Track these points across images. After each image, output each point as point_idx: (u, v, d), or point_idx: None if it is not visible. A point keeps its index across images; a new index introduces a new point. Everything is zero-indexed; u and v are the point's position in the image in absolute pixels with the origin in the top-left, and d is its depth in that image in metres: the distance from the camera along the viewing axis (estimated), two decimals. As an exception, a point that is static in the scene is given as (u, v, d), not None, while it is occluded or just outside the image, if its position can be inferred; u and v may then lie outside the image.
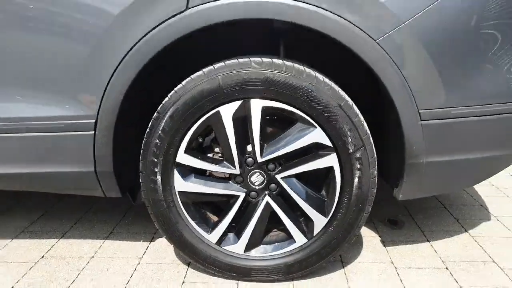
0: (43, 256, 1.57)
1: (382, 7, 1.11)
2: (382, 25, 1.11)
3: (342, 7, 1.10)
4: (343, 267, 1.48)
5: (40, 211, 1.95)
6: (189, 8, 1.11)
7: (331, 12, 1.10)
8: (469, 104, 1.20)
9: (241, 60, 1.17)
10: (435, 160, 1.25)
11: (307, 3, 1.11)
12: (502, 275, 1.44)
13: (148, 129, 1.24)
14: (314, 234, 1.33)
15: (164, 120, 1.22)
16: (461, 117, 1.21)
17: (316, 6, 1.10)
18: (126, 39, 1.14)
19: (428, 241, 1.66)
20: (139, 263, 1.52)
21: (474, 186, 2.19)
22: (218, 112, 1.21)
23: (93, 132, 1.24)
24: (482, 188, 2.17)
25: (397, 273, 1.45)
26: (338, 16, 1.10)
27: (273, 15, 1.12)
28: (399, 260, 1.52)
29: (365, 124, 1.23)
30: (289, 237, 1.36)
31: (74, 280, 1.42)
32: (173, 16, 1.11)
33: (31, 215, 1.91)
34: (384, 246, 1.62)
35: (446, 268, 1.48)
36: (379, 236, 1.70)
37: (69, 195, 2.00)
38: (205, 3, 1.10)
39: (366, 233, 1.72)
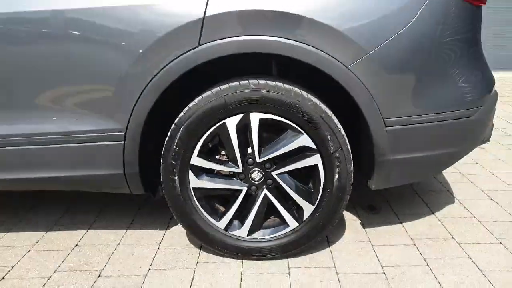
0: (76, 245, 1.86)
1: (352, 42, 1.40)
2: (352, 55, 1.41)
3: (322, 44, 1.39)
4: (329, 246, 1.79)
5: (63, 207, 2.23)
6: (201, 45, 1.39)
7: (314, 47, 1.39)
8: (424, 113, 1.51)
9: (242, 82, 1.46)
10: (398, 157, 1.55)
11: (298, 42, 1.40)
12: (458, 248, 1.76)
13: (168, 138, 1.53)
14: (304, 219, 1.63)
15: (181, 131, 1.50)
16: (418, 123, 1.51)
17: (305, 44, 1.39)
18: (150, 70, 1.42)
19: (400, 222, 1.97)
20: (158, 248, 1.81)
21: (444, 174, 2.51)
22: (224, 123, 1.50)
23: (123, 142, 1.52)
24: (450, 175, 2.49)
25: (374, 249, 1.76)
26: (320, 50, 1.39)
27: (270, 50, 1.41)
28: (376, 239, 1.84)
29: (342, 130, 1.53)
30: (283, 222, 1.66)
31: (106, 263, 1.71)
32: (187, 51, 1.39)
33: (56, 210, 2.19)
34: (364, 227, 1.94)
35: (414, 244, 1.79)
36: (360, 220, 2.01)
37: (87, 192, 2.28)
38: (212, 41, 1.38)
39: (349, 217, 2.03)
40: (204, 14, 1.38)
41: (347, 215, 2.05)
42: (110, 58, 1.44)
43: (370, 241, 1.82)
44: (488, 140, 1.81)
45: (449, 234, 1.87)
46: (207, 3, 1.38)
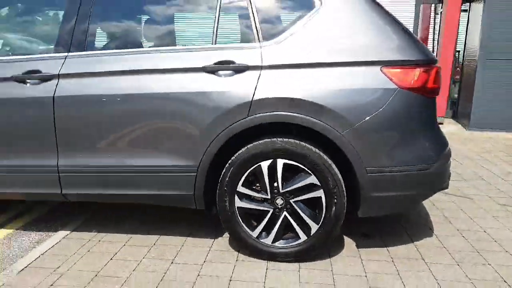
0: (154, 244, 2.68)
1: (344, 119, 2.22)
2: (344, 126, 2.22)
3: (325, 118, 2.21)
4: (329, 257, 2.51)
5: (137, 221, 3.07)
6: (248, 117, 2.26)
7: (319, 120, 2.21)
8: (394, 165, 2.27)
9: (273, 139, 2.29)
10: (376, 194, 2.30)
11: (310, 116, 2.22)
12: (424, 266, 2.43)
13: (223, 172, 2.37)
14: (311, 234, 2.38)
15: (232, 169, 2.34)
16: (390, 172, 2.27)
17: (314, 118, 2.22)
18: (216, 131, 2.29)
19: (385, 246, 2.66)
20: (209, 250, 2.60)
21: (430, 215, 3.16)
22: (260, 165, 2.33)
23: (195, 174, 2.38)
24: (435, 217, 3.14)
25: (362, 262, 2.46)
26: (323, 122, 2.22)
27: (291, 121, 2.25)
28: (364, 255, 2.54)
29: (339, 174, 2.30)
30: (296, 236, 2.42)
31: (175, 256, 2.52)
32: (239, 120, 2.27)
33: (132, 222, 3.04)
34: (357, 248, 2.64)
35: (392, 261, 2.48)
36: (355, 242, 2.72)
37: (147, 210, 3.12)
38: (256, 114, 2.25)
39: (347, 240, 2.74)
40: (252, 98, 2.25)
41: (346, 239, 2.76)
42: (191, 123, 2.33)
43: (360, 257, 2.53)
44: (446, 187, 2.52)
45: (421, 256, 2.54)
46: (254, 93, 2.25)
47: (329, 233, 2.37)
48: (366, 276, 2.31)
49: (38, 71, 2.43)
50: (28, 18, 2.91)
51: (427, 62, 2.29)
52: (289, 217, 2.39)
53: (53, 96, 2.41)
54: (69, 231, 2.85)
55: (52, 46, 2.53)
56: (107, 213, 3.18)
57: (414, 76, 2.24)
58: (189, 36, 2.69)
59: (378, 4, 2.39)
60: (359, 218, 2.47)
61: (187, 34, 2.69)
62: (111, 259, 2.49)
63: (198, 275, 2.31)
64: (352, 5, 2.33)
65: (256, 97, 2.25)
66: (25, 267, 2.37)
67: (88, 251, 2.58)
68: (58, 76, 2.41)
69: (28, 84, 2.44)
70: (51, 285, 2.20)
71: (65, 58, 2.44)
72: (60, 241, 2.70)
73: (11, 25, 2.93)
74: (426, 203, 3.36)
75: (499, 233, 2.88)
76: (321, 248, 2.42)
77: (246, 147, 2.33)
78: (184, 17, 2.77)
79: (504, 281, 2.28)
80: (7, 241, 2.78)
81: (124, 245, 2.67)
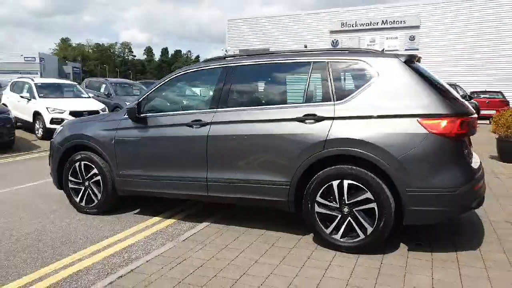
0: (262, 234, 3.96)
1: (389, 153, 3.25)
2: (390, 159, 3.25)
3: (379, 154, 3.29)
4: (383, 254, 3.46)
5: (255, 220, 4.39)
6: (325, 149, 3.45)
7: (375, 156, 3.30)
8: (426, 187, 3.19)
9: (342, 166, 3.43)
10: (414, 208, 3.23)
11: (368, 152, 3.32)
12: (456, 265, 3.23)
13: (307, 186, 3.56)
14: (367, 234, 3.40)
15: (313, 184, 3.53)
16: (423, 192, 3.19)
17: (371, 154, 3.31)
18: (302, 159, 3.51)
19: (431, 251, 3.49)
20: (297, 242, 3.77)
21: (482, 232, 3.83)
22: (331, 183, 3.47)
23: (289, 186, 3.63)
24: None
25: (407, 260, 3.37)
26: (377, 157, 3.30)
27: (355, 155, 3.36)
28: (411, 255, 3.43)
29: (387, 191, 3.30)
30: (357, 235, 3.45)
31: (274, 243, 3.75)
32: (318, 152, 3.47)
33: (251, 219, 4.36)
34: (408, 251, 3.53)
35: (432, 261, 3.32)
36: (407, 247, 3.60)
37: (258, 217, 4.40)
38: (330, 149, 3.42)
39: (402, 245, 3.64)
40: (326, 138, 3.44)
41: (402, 244, 3.66)
42: (288, 152, 3.60)
43: (407, 256, 3.43)
44: (476, 207, 3.30)
45: (457, 260, 3.33)
46: (327, 135, 3.44)
47: (381, 233, 3.35)
48: (406, 267, 3.22)
49: (199, 120, 4.01)
50: (195, 87, 4.60)
51: (452, 115, 3.21)
52: (352, 221, 3.45)
53: (207, 135, 3.94)
54: (209, 223, 4.31)
55: (208, 105, 4.13)
56: (237, 212, 4.60)
57: (440, 125, 3.18)
58: (290, 95, 4.02)
59: (419, 72, 3.40)
60: (417, 230, 3.38)
61: (288, 94, 4.03)
62: (234, 240, 3.84)
63: (289, 253, 3.51)
64: (398, 77, 3.40)
65: (329, 137, 3.44)
66: (185, 238, 3.86)
67: (221, 235, 3.98)
68: (211, 123, 3.96)
69: (194, 128, 4.03)
70: (201, 248, 3.63)
71: (215, 112, 3.98)
72: (203, 228, 4.16)
73: (184, 91, 4.66)
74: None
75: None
76: (374, 245, 3.41)
77: (322, 171, 3.50)
78: (287, 82, 4.12)
79: (517, 281, 2.97)
80: (175, 225, 4.36)
81: (242, 234, 4.01)
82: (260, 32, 38.57)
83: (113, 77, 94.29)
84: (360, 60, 3.59)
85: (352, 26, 28.79)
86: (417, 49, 24.74)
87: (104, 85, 15.94)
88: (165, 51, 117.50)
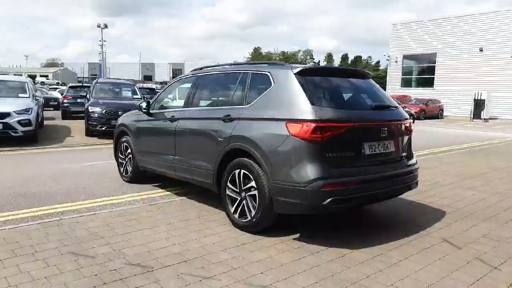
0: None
1: (262, 149, 3.88)
2: (262, 153, 3.89)
3: (254, 148, 3.98)
4: (270, 237, 4.07)
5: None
6: (230, 144, 4.27)
7: (253, 149, 3.99)
8: (285, 180, 3.69)
9: (240, 158, 4.19)
10: (278, 198, 3.77)
11: (246, 145, 4.03)
12: (311, 248, 3.64)
13: (223, 173, 4.42)
14: (252, 216, 4.08)
15: (226, 171, 4.37)
16: (283, 185, 3.71)
17: (250, 147, 4.02)
18: (219, 150, 4.42)
19: (311, 241, 3.91)
20: (215, 219, 4.64)
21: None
22: (235, 172, 4.25)
23: (213, 172, 4.55)
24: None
25: (286, 242, 3.91)
26: (253, 150, 3.99)
27: (240, 148, 4.12)
28: (291, 240, 3.94)
29: (265, 181, 3.93)
30: (246, 216, 4.14)
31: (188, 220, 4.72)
32: (226, 145, 4.31)
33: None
34: (293, 239, 4.03)
35: (295, 243, 3.80)
36: (298, 235, 4.08)
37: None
38: (233, 143, 4.23)
39: (295, 235, 4.13)
40: (231, 134, 4.25)
41: (295, 235, 4.14)
42: (213, 143, 4.50)
43: (287, 241, 3.95)
44: (339, 205, 3.60)
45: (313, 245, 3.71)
46: (231, 132, 4.25)
47: (261, 216, 3.97)
48: (283, 243, 3.80)
49: (173, 116, 5.26)
50: (179, 90, 5.87)
51: (310, 121, 3.62)
52: (244, 204, 4.17)
53: (175, 128, 5.17)
54: (184, 197, 5.49)
55: (182, 105, 5.34)
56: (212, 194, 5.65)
57: (297, 129, 3.65)
58: (223, 99, 4.88)
59: (306, 82, 3.88)
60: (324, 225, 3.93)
61: (223, 98, 4.90)
62: (181, 210, 4.94)
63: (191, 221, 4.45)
64: (284, 87, 3.95)
65: (232, 134, 4.24)
66: (153, 203, 5.17)
67: (176, 206, 5.13)
68: (178, 119, 5.17)
69: (171, 122, 5.28)
70: (151, 210, 4.88)
71: (182, 111, 5.17)
72: (171, 201, 5.38)
73: (176, 94, 5.98)
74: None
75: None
76: (259, 226, 4.05)
77: (231, 161, 4.30)
78: (224, 88, 4.97)
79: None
80: (163, 197, 5.70)
81: (190, 207, 5.08)
82: (425, 35, 36.22)
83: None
84: (266, 72, 4.25)
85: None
86: None
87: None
88: (345, 57, 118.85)
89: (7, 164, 8.13)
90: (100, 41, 46.69)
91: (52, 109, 23.64)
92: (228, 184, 4.33)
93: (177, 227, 4.30)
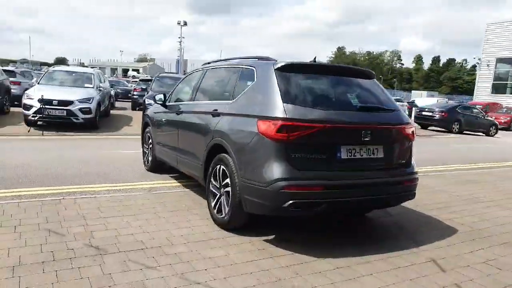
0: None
1: (237, 144, 3.80)
2: (236, 148, 3.81)
3: (229, 143, 3.92)
4: (243, 236, 3.98)
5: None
6: (213, 139, 4.26)
7: (228, 144, 3.94)
8: (251, 179, 3.56)
9: (222, 154, 4.16)
10: (246, 197, 3.67)
11: (222, 140, 3.98)
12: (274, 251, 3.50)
13: (209, 167, 4.43)
14: (226, 213, 4.02)
15: (210, 166, 4.37)
16: (249, 183, 3.59)
17: (225, 142, 3.97)
18: (205, 145, 4.43)
19: (279, 244, 3.75)
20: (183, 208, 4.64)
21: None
22: (216, 167, 4.22)
23: (201, 166, 4.58)
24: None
25: (251, 241, 3.81)
26: (229, 144, 3.93)
27: (220, 143, 4.08)
28: (259, 241, 3.82)
29: (237, 178, 3.85)
30: (222, 212, 4.10)
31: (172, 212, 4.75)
32: (210, 140, 4.30)
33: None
34: (264, 240, 3.89)
35: (259, 246, 3.66)
36: (272, 237, 3.93)
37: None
38: (215, 138, 4.21)
39: (270, 237, 3.98)
40: (214, 129, 4.23)
41: (269, 236, 4.00)
42: (201, 140, 4.52)
43: (255, 241, 3.84)
44: (285, 210, 3.37)
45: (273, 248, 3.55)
46: (215, 127, 4.23)
47: (233, 214, 3.89)
48: (250, 243, 3.71)
49: (180, 109, 5.38)
50: (189, 84, 5.93)
51: (277, 119, 3.46)
52: (222, 200, 4.12)
53: (178, 120, 5.28)
54: (186, 190, 5.58)
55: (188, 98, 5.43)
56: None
57: (264, 127, 3.50)
58: (216, 93, 4.78)
59: (285, 79, 3.71)
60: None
61: (215, 92, 4.77)
62: (177, 201, 5.04)
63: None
64: (263, 82, 3.82)
65: (214, 129, 4.21)
66: (154, 192, 5.34)
67: (173, 198, 5.23)
68: (182, 112, 5.27)
69: (177, 114, 5.41)
70: (148, 199, 5.05)
71: (186, 104, 5.26)
72: (172, 192, 5.49)
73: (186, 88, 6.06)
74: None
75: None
76: (230, 224, 3.98)
77: (216, 156, 4.27)
78: (219, 82, 4.83)
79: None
80: (169, 188, 5.86)
81: (185, 197, 5.15)
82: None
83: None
84: (251, 67, 4.14)
85: None
86: None
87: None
88: (436, 59, 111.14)
89: (54, 146, 8.97)
90: (179, 37, 49.38)
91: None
92: (211, 179, 4.31)
93: (160, 217, 4.39)
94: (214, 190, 4.28)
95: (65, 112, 11.00)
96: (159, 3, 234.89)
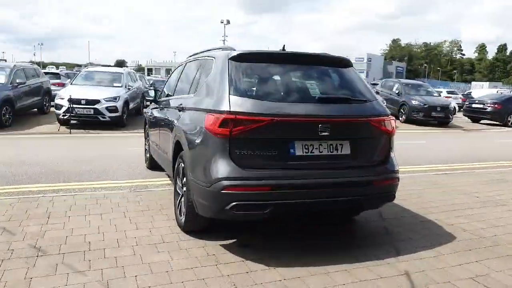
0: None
1: (190, 140, 3.52)
2: (189, 145, 3.52)
3: (183, 139, 3.63)
4: (204, 240, 3.70)
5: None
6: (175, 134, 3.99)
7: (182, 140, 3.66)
8: (197, 178, 3.27)
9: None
10: (195, 198, 3.38)
11: (181, 136, 3.70)
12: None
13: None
14: (183, 214, 3.75)
15: (176, 162, 4.13)
16: (196, 183, 3.30)
17: (179, 138, 3.69)
18: (172, 141, 4.18)
19: (234, 251, 3.43)
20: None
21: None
22: (180, 164, 3.98)
23: (171, 162, 4.34)
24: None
25: (206, 244, 3.52)
26: (185, 141, 3.65)
27: (179, 138, 3.81)
28: (216, 245, 3.52)
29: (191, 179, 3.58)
30: (181, 213, 3.84)
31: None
32: (173, 136, 4.04)
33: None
34: (222, 244, 3.58)
35: (214, 252, 3.36)
36: (234, 241, 3.61)
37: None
38: (176, 134, 3.94)
39: (231, 241, 3.66)
40: (175, 125, 3.97)
41: (232, 240, 3.68)
42: (170, 137, 4.30)
43: (209, 245, 3.54)
44: (241, 211, 3.02)
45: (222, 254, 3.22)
46: (176, 123, 3.97)
47: (189, 216, 3.61)
48: (203, 248, 3.44)
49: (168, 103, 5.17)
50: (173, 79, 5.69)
51: (221, 112, 3.12)
52: (182, 201, 3.85)
53: (158, 118, 5.10)
54: (175, 188, 5.39)
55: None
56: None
57: (209, 122, 3.18)
58: (186, 87, 4.45)
59: (238, 69, 3.36)
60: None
61: (185, 86, 4.42)
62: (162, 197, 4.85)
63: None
64: (217, 73, 3.48)
65: (177, 125, 3.96)
66: (148, 190, 5.20)
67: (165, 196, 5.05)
68: (163, 108, 5.07)
69: (159, 110, 5.23)
70: (140, 195, 4.91)
71: (169, 99, 5.05)
72: (164, 190, 5.32)
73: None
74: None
75: None
76: (187, 227, 3.71)
77: (179, 153, 4.02)
78: (189, 76, 4.45)
79: None
80: (168, 185, 5.70)
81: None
82: None
83: (434, 78, 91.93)
84: (212, 57, 3.82)
85: None
86: None
87: (396, 85, 18.21)
88: (502, 48, 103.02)
89: (73, 144, 9.23)
90: (223, 36, 49.78)
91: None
92: (177, 178, 4.06)
93: (125, 217, 4.23)
94: (178, 190, 4.03)
95: (92, 110, 11.32)
96: (214, 6, 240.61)
